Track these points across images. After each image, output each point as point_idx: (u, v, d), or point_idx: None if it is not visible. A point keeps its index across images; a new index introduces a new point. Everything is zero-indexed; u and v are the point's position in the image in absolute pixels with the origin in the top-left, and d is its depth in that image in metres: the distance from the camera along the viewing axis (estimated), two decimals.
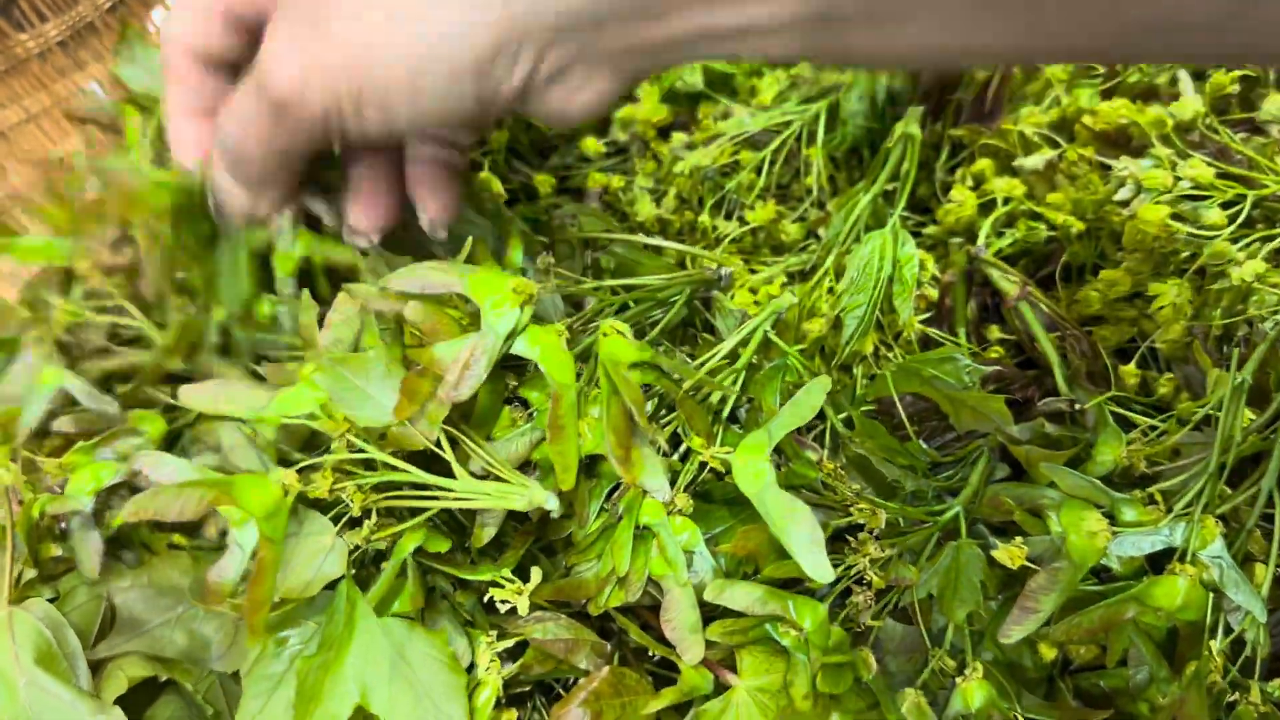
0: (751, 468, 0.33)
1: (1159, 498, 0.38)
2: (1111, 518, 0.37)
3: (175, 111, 0.38)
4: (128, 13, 0.59)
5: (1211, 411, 0.40)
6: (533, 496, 0.32)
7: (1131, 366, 0.43)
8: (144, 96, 0.56)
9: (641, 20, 0.29)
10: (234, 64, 0.37)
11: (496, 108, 0.32)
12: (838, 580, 0.37)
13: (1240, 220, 0.43)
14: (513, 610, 0.35)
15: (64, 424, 0.41)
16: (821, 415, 0.44)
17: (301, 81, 0.31)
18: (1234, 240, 0.42)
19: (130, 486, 0.39)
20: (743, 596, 0.34)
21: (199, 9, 0.36)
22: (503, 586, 0.35)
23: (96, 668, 0.38)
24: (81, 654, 0.38)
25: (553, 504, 0.32)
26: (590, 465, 0.37)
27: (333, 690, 0.33)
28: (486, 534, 0.36)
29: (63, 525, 0.47)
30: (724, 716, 0.34)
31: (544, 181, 0.58)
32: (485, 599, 0.35)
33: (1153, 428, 0.42)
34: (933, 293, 0.50)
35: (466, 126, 0.39)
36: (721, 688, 0.35)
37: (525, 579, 0.34)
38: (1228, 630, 0.37)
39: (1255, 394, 0.40)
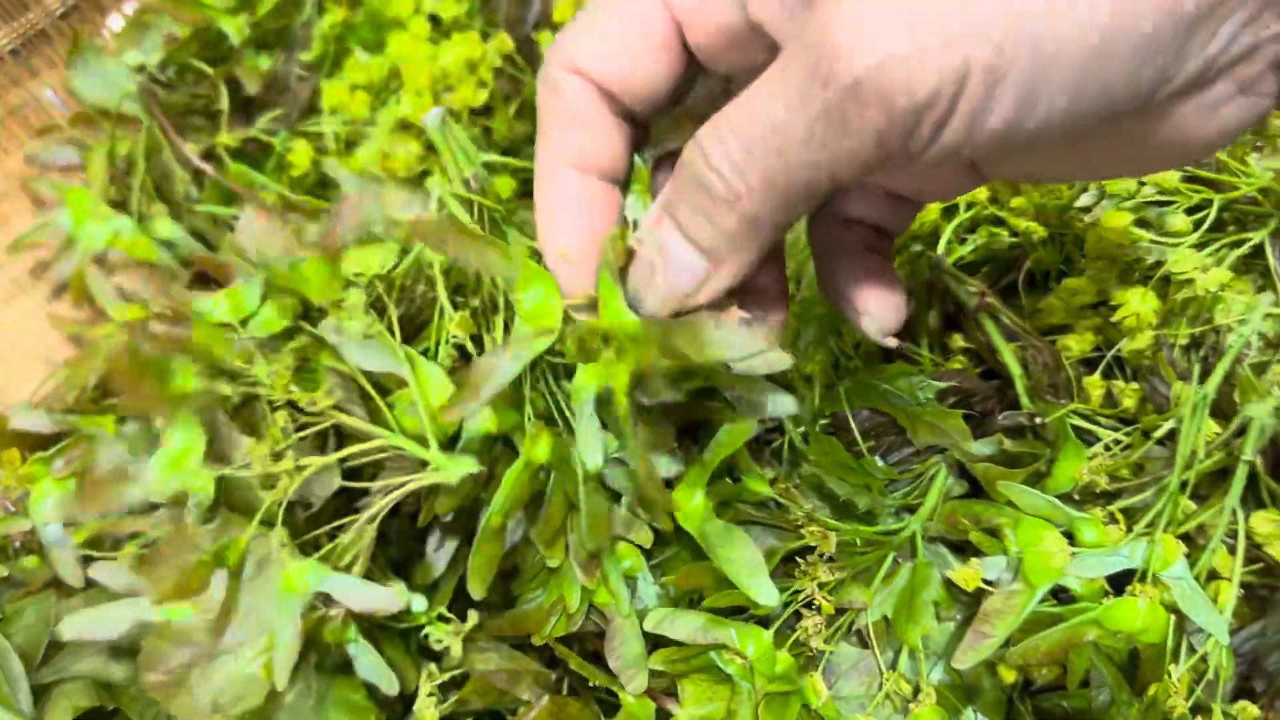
0: (688, 506, 0.33)
1: (1119, 516, 0.37)
2: (1071, 537, 0.36)
3: (556, 163, 0.28)
4: (80, 19, 0.58)
5: (1176, 425, 0.38)
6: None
7: (1096, 378, 0.42)
8: (96, 107, 0.55)
9: None
10: (638, 112, 0.29)
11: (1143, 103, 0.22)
12: (788, 604, 0.36)
13: (1207, 225, 0.41)
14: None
15: None
16: (780, 429, 0.43)
17: (908, 53, 0.20)
18: (1200, 246, 0.41)
19: None
20: (684, 626, 0.33)
21: (630, 29, 0.27)
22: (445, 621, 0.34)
23: (42, 691, 0.38)
24: (24, 678, 0.37)
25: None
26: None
27: None
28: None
29: (17, 544, 0.47)
30: None
31: (504, 185, 0.57)
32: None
33: (1116, 441, 0.41)
34: None
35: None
36: (664, 716, 0.34)
37: (463, 617, 0.33)
38: (1191, 651, 0.36)
39: (1223, 405, 0.39)
